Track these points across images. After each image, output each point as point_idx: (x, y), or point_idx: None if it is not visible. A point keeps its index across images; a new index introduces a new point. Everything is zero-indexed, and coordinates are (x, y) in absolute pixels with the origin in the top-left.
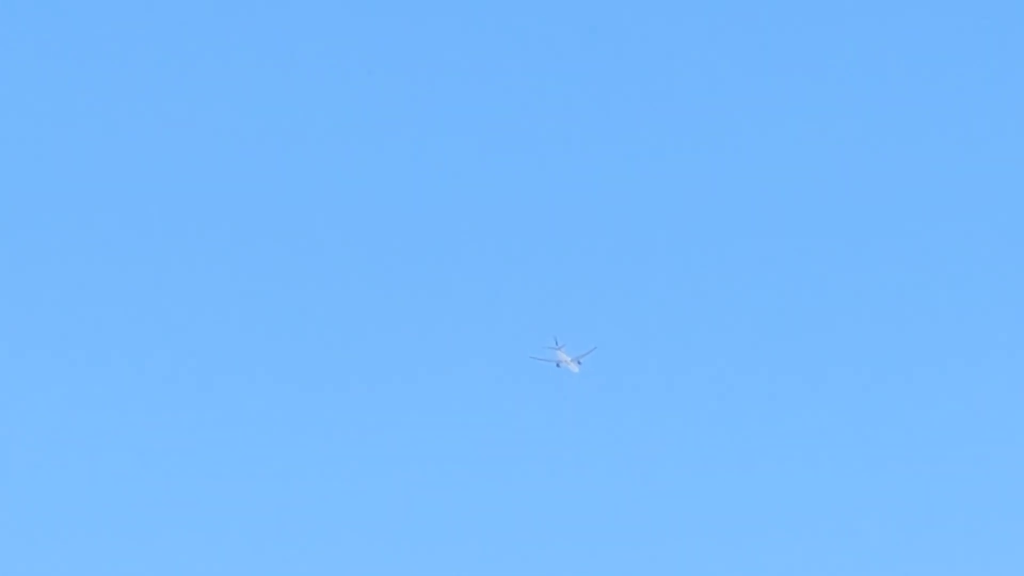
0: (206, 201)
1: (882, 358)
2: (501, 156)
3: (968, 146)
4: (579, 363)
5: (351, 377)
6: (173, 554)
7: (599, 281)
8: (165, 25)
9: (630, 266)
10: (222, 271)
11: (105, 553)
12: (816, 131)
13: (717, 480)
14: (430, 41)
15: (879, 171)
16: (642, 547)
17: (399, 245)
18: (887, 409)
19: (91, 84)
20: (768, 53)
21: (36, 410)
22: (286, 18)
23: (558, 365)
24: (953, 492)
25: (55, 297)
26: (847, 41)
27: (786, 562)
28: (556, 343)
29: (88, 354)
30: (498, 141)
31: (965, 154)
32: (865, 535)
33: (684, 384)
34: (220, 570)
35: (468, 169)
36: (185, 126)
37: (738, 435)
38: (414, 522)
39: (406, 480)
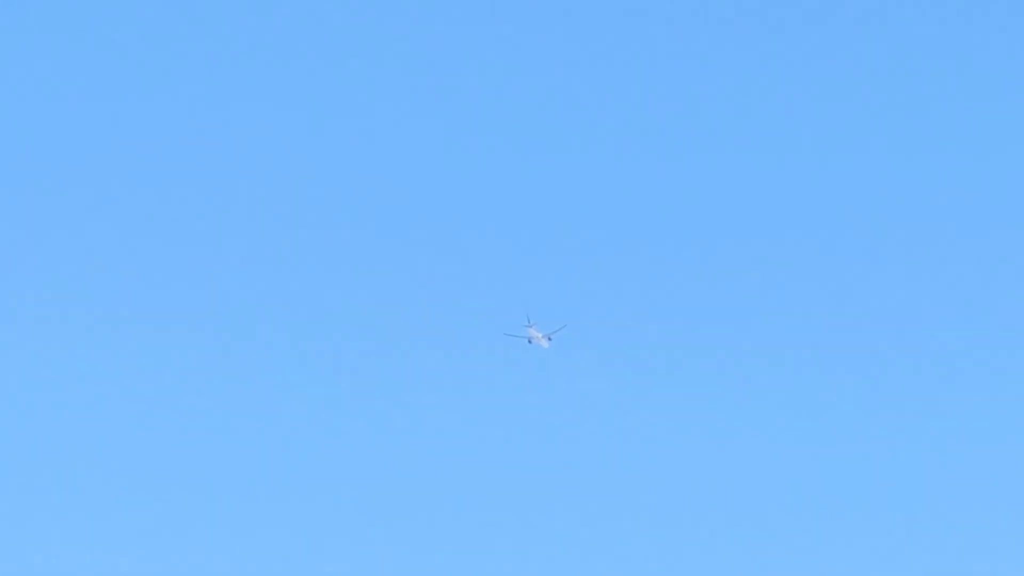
0: (193, 191)
1: (864, 346)
2: (479, 148)
3: (968, 145)
4: (549, 339)
5: (336, 356)
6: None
7: (569, 265)
8: (165, 25)
9: (602, 252)
10: (207, 251)
11: (102, 550)
12: (781, 119)
13: (681, 452)
14: (419, 36)
15: (858, 164)
16: (611, 518)
17: (386, 233)
18: (866, 391)
19: (91, 84)
20: (738, 48)
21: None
22: (286, 18)
23: (530, 341)
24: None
25: (55, 296)
26: (846, 41)
27: (764, 541)
28: (528, 321)
29: (86, 348)
30: (476, 134)
31: (964, 154)
32: (840, 512)
33: (650, 360)
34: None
35: (449, 161)
36: (185, 126)
37: (702, 411)
38: (397, 491)
39: (388, 453)
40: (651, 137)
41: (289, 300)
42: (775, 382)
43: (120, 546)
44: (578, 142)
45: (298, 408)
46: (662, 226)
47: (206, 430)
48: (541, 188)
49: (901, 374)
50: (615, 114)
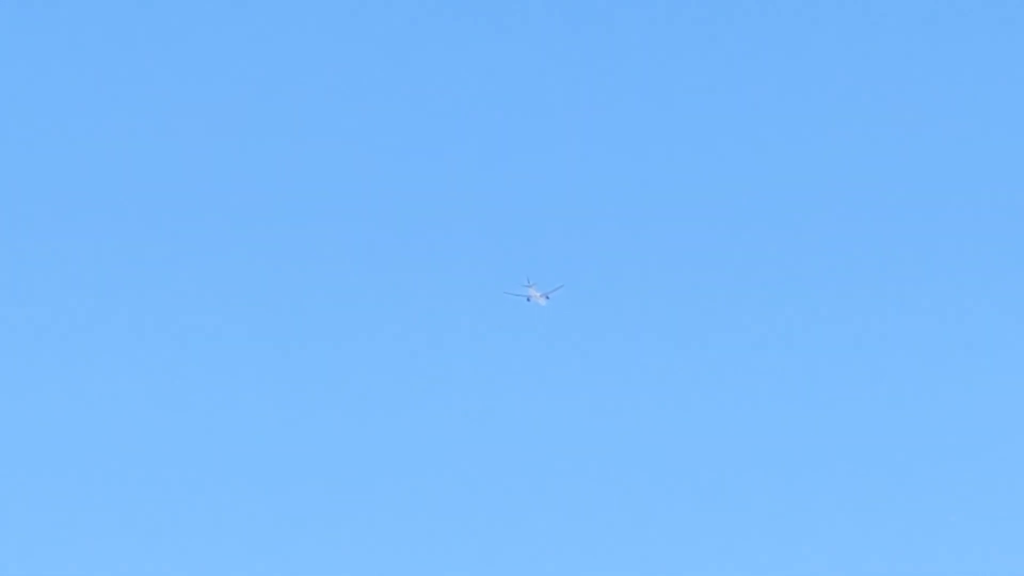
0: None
1: (867, 336)
2: (479, 110)
3: (967, 145)
4: (547, 298)
5: (340, 317)
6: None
7: (568, 227)
8: (166, 25)
9: (597, 218)
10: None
11: (104, 550)
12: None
13: (679, 414)
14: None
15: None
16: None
17: (386, 196)
18: (876, 380)
19: (91, 84)
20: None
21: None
22: (286, 19)
23: (528, 300)
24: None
25: (57, 296)
26: (846, 41)
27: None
28: (528, 281)
29: (85, 351)
30: (479, 111)
31: (962, 153)
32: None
33: (642, 320)
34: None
35: (451, 135)
36: (185, 126)
37: (700, 374)
38: (400, 456)
39: (390, 413)
40: (648, 104)
41: (287, 277)
42: (776, 351)
43: (115, 547)
44: (576, 105)
45: (294, 381)
46: (661, 189)
47: (203, 428)
48: (542, 149)
49: (905, 368)
50: (611, 82)
